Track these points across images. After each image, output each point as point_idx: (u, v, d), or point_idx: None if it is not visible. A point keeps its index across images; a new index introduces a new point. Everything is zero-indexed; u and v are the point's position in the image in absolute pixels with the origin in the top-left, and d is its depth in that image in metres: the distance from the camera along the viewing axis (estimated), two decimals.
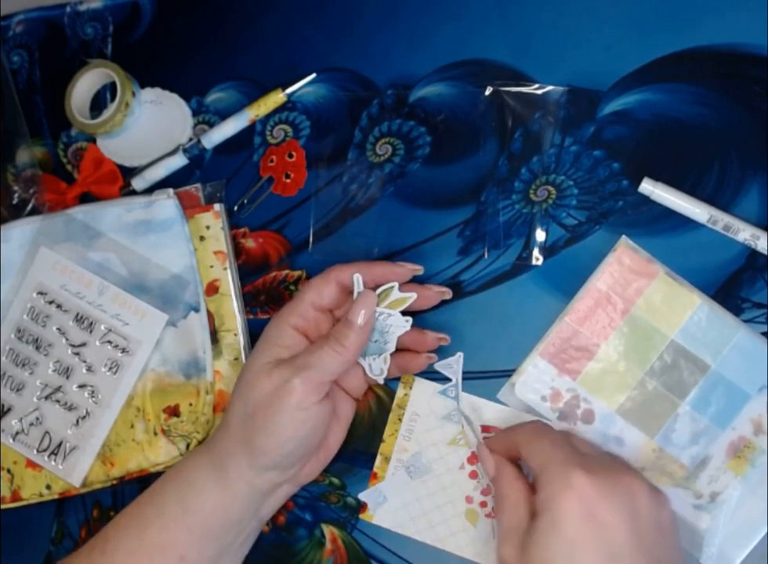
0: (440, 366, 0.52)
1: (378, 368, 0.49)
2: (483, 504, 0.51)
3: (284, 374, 0.46)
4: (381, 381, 0.50)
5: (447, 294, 0.51)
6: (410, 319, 0.49)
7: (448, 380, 0.52)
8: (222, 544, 0.49)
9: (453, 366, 0.52)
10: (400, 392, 0.53)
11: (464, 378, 0.52)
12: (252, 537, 0.51)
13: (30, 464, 0.56)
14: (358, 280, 0.49)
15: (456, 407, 0.52)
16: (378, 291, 0.48)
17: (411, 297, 0.49)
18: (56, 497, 0.56)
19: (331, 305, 0.50)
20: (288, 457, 0.48)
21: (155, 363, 0.55)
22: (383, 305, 0.49)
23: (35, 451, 0.56)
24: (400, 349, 0.50)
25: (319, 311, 0.49)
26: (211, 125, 0.58)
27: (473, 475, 0.51)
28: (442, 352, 0.52)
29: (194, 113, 0.59)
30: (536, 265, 0.52)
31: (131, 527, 0.49)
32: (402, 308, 0.49)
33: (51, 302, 0.56)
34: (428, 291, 0.50)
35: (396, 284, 0.49)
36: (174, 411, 0.55)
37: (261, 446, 0.46)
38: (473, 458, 0.51)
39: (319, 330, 0.49)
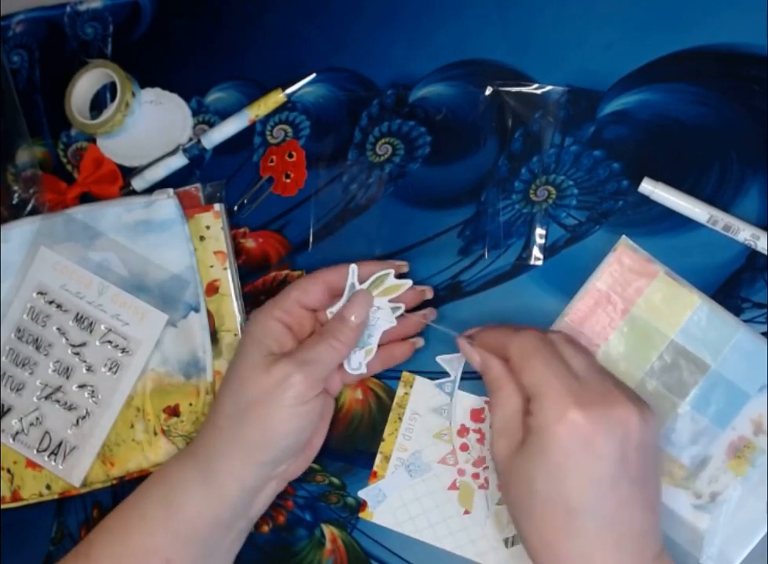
0: (442, 360, 0.51)
1: (356, 362, 0.49)
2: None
3: (284, 369, 0.46)
4: (356, 374, 0.49)
5: (429, 293, 0.52)
6: (401, 307, 0.49)
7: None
8: (210, 546, 0.48)
9: (454, 362, 0.51)
10: (400, 391, 0.53)
11: (464, 378, 0.51)
12: (242, 537, 0.51)
13: (30, 464, 0.56)
14: (354, 271, 0.49)
15: (448, 402, 0.52)
16: (373, 277, 0.49)
17: (405, 284, 0.49)
18: (56, 497, 0.56)
19: (316, 305, 0.50)
20: (285, 452, 0.48)
21: (155, 363, 0.55)
22: (376, 293, 0.49)
23: (35, 451, 0.56)
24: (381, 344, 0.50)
25: (303, 309, 0.49)
26: (211, 125, 0.58)
27: (474, 476, 0.51)
28: (447, 348, 0.51)
29: (194, 113, 0.59)
30: (536, 265, 0.52)
31: (115, 532, 0.49)
32: (396, 294, 0.49)
33: (51, 302, 0.56)
34: (377, 266, 0.50)
35: (392, 271, 0.49)
36: (174, 411, 0.55)
37: (259, 441, 0.46)
38: (477, 463, 0.52)
39: (302, 328, 0.50)
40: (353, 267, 0.49)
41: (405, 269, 0.52)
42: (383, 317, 0.49)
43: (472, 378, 0.52)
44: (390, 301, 0.49)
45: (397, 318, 0.49)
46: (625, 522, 0.41)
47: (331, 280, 0.50)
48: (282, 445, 0.47)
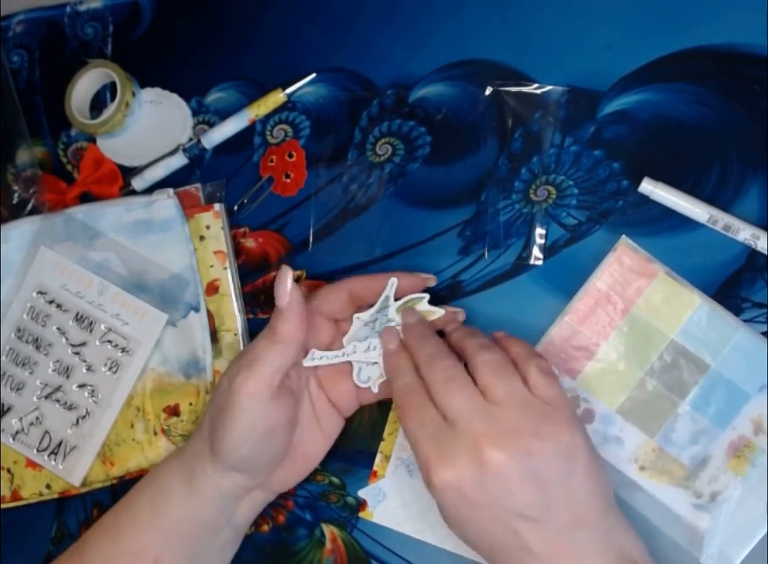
0: None
1: (365, 375, 0.48)
2: None
3: (233, 372, 0.46)
4: (362, 386, 0.48)
5: (461, 316, 0.50)
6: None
7: None
8: (198, 548, 0.48)
9: None
10: None
11: None
12: (232, 545, 0.50)
13: (30, 463, 0.56)
14: (392, 285, 0.47)
15: None
16: (406, 298, 0.48)
17: (438, 312, 0.48)
18: (56, 496, 0.56)
19: (336, 314, 0.49)
20: (248, 460, 0.46)
21: (155, 363, 0.55)
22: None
23: (35, 451, 0.56)
24: None
25: (322, 317, 0.49)
26: (211, 125, 0.58)
27: None
28: None
29: (194, 113, 0.59)
30: (536, 265, 0.52)
31: (108, 531, 0.49)
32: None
33: (51, 302, 0.56)
34: (414, 278, 0.49)
35: (427, 296, 0.48)
36: (174, 411, 0.55)
37: (219, 446, 0.46)
38: None
39: (318, 336, 0.49)
40: (393, 280, 0.47)
41: (433, 283, 0.50)
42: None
43: None
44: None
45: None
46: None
47: (355, 288, 0.49)
48: (242, 452, 0.46)
